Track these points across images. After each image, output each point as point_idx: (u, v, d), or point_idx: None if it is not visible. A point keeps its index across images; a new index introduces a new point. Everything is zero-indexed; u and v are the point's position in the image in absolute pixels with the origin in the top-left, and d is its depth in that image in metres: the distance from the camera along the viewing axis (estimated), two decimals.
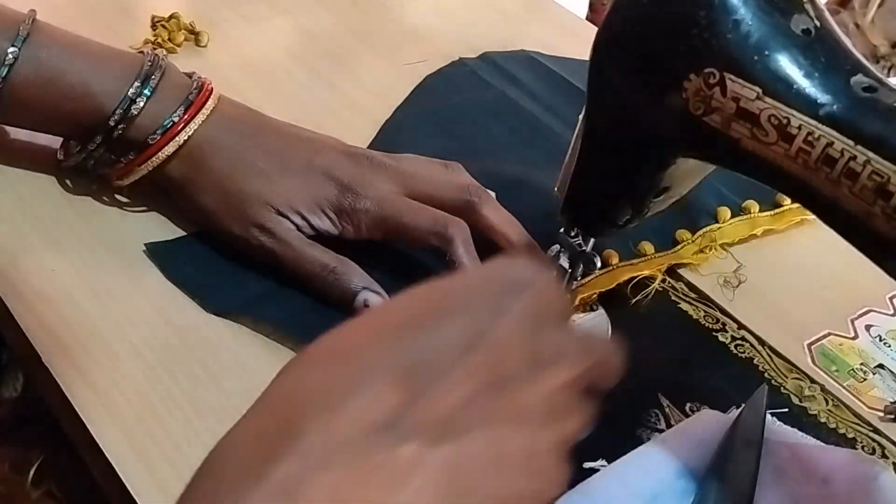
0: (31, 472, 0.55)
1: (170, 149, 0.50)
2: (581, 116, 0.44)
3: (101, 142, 0.50)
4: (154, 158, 0.50)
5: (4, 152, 0.55)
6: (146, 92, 0.50)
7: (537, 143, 0.65)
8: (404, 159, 0.54)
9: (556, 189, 0.49)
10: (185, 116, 0.50)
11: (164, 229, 0.53)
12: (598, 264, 0.50)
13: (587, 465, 0.45)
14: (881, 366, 0.54)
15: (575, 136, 0.46)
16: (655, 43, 0.39)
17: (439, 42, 0.77)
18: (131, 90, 0.50)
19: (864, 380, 0.53)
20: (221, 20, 0.73)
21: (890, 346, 0.56)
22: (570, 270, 0.51)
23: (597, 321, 0.54)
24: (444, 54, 0.75)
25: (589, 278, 0.54)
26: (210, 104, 0.51)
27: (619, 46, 0.41)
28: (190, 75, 0.53)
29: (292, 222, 0.50)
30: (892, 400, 0.52)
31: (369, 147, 0.62)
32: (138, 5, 0.74)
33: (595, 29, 0.42)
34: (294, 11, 0.77)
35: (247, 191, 0.50)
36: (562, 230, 0.50)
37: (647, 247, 0.57)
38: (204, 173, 0.50)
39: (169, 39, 0.68)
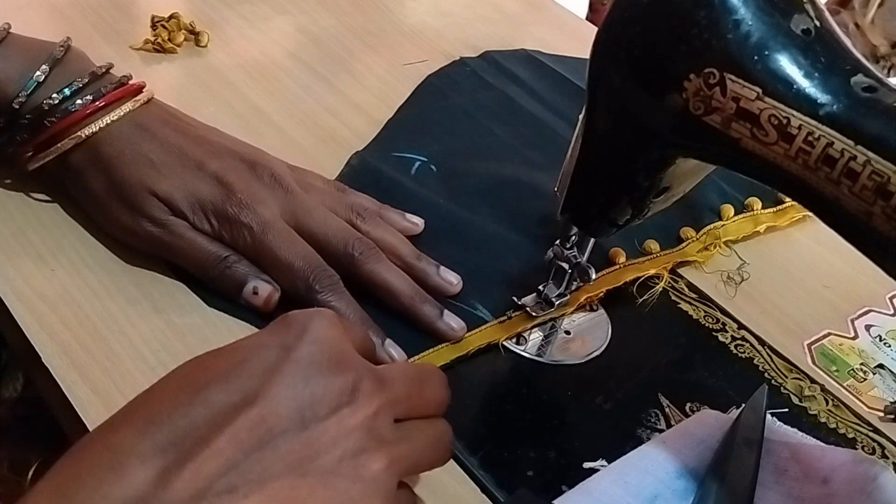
0: (30, 473, 0.55)
1: (71, 142, 0.49)
2: (581, 116, 0.44)
3: (5, 125, 0.50)
4: (59, 146, 0.49)
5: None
6: (48, 76, 0.50)
7: (538, 142, 0.65)
8: (312, 189, 0.53)
9: (556, 189, 0.49)
10: (92, 107, 0.49)
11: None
12: (593, 276, 0.50)
13: (587, 465, 0.45)
14: (881, 366, 0.54)
15: (575, 136, 0.46)
16: (655, 43, 0.39)
17: (439, 42, 0.77)
18: (37, 73, 0.49)
19: (864, 380, 0.53)
20: (221, 20, 0.73)
21: (890, 346, 0.56)
22: (570, 271, 0.51)
23: (597, 321, 0.54)
24: (445, 54, 0.75)
25: (595, 277, 0.54)
26: (128, 106, 0.50)
27: (619, 46, 0.41)
28: (118, 77, 0.52)
29: (173, 211, 0.49)
30: (892, 400, 0.52)
31: (370, 144, 0.63)
32: (138, 5, 0.74)
33: (595, 29, 0.42)
34: (294, 11, 0.77)
35: (133, 179, 0.49)
36: (557, 242, 0.51)
37: (653, 245, 0.58)
38: (96, 161, 0.50)
39: (169, 39, 0.68)
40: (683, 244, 0.59)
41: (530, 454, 0.45)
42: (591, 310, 0.54)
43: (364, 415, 0.34)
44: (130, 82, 0.52)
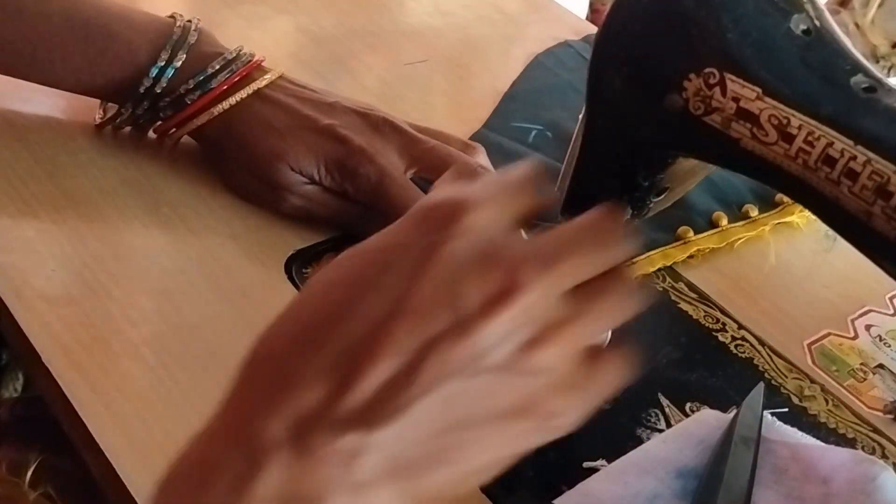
0: (29, 474, 0.55)
1: (204, 117, 0.53)
2: (581, 116, 0.44)
3: (139, 102, 0.54)
4: (194, 121, 0.54)
5: (5, 152, 0.55)
6: (172, 67, 0.53)
7: None
8: (427, 130, 0.56)
9: (556, 189, 0.49)
10: (226, 83, 0.53)
11: (166, 229, 0.53)
12: None
13: (587, 464, 0.45)
14: (881, 366, 0.54)
15: (575, 135, 0.46)
16: (655, 43, 0.39)
17: (439, 42, 0.77)
18: (175, 62, 0.53)
19: (864, 380, 0.53)
20: (221, 20, 0.73)
21: (890, 346, 0.56)
22: None
23: None
24: (444, 54, 0.75)
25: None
26: (255, 85, 0.54)
27: (619, 46, 0.40)
28: (245, 55, 0.56)
29: (307, 178, 0.53)
30: (891, 399, 0.52)
31: (491, 116, 0.68)
32: (138, 5, 0.74)
33: (595, 29, 0.42)
34: (294, 11, 0.77)
35: (265, 151, 0.53)
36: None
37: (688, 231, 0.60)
38: (230, 135, 0.54)
39: None
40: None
41: (530, 454, 0.45)
42: None
43: (527, 303, 0.30)
44: (257, 59, 0.55)
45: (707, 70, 0.37)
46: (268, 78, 0.55)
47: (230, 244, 0.52)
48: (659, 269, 0.58)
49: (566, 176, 0.47)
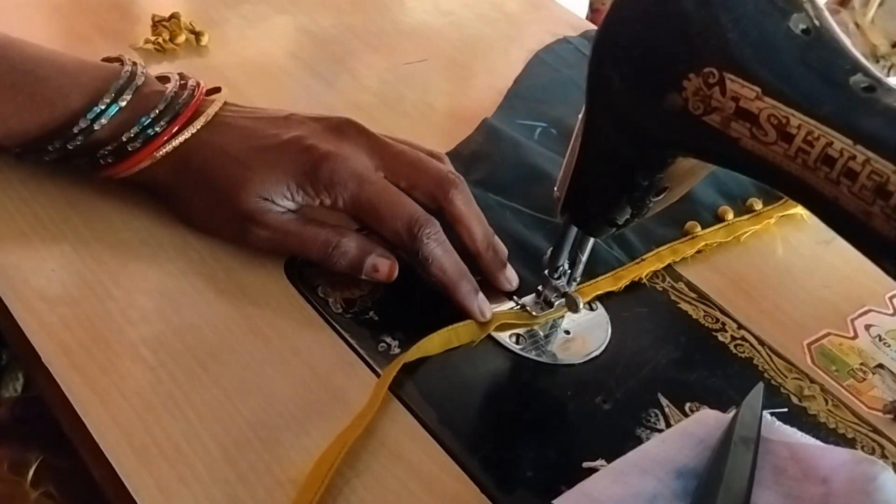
0: (30, 473, 0.55)
1: (147, 161, 0.50)
2: (581, 116, 0.44)
3: (59, 147, 0.50)
4: (142, 165, 0.50)
5: (4, 153, 0.55)
6: (116, 106, 0.50)
7: None
8: (390, 137, 0.54)
9: (555, 189, 0.49)
10: (168, 132, 0.50)
11: (165, 229, 0.53)
12: (581, 306, 0.51)
13: (587, 464, 0.45)
14: (881, 366, 0.54)
15: (574, 135, 0.46)
16: (655, 43, 0.39)
17: (439, 42, 0.77)
18: (114, 107, 0.50)
19: (864, 380, 0.53)
20: (221, 20, 0.73)
21: (890, 346, 0.56)
22: (569, 271, 0.51)
23: (597, 321, 0.54)
24: (444, 54, 0.75)
25: (592, 281, 0.54)
26: (201, 120, 0.51)
27: (619, 46, 0.41)
28: (184, 82, 0.53)
29: (276, 203, 0.50)
30: (891, 399, 0.52)
31: (496, 112, 0.69)
32: (138, 5, 0.74)
33: (595, 29, 0.42)
34: (294, 11, 0.77)
35: (225, 183, 0.50)
36: (546, 271, 0.51)
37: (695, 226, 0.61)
38: (186, 174, 0.51)
39: (169, 39, 0.68)
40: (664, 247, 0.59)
41: (530, 454, 0.45)
42: (591, 309, 0.54)
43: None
44: (200, 91, 0.52)
45: (706, 70, 0.37)
46: (213, 108, 0.52)
47: (230, 245, 0.52)
48: (660, 271, 0.58)
49: (566, 175, 0.47)
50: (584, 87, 0.43)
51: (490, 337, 0.51)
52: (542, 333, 0.52)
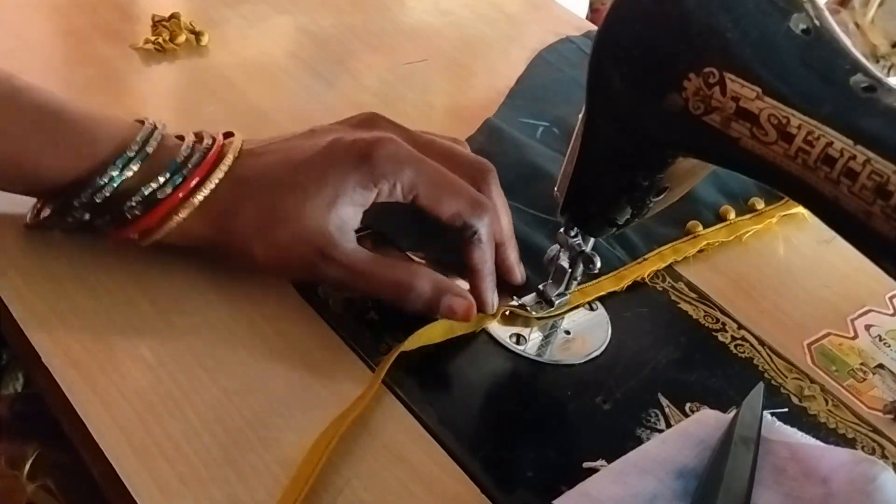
0: (27, 467, 0.55)
1: (184, 211, 0.47)
2: (581, 116, 0.44)
3: (87, 203, 0.47)
4: (172, 218, 0.47)
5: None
6: (141, 155, 0.47)
7: None
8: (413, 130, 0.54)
9: (555, 189, 0.49)
10: (183, 190, 0.47)
11: None
12: (598, 264, 0.50)
13: (587, 465, 0.45)
14: (881, 366, 0.54)
15: (574, 135, 0.46)
16: (655, 43, 0.39)
17: (439, 42, 0.77)
18: (127, 172, 0.47)
19: (864, 380, 0.53)
20: (221, 20, 0.73)
21: (890, 346, 0.56)
22: (569, 270, 0.51)
23: (597, 321, 0.54)
24: (444, 54, 0.75)
25: (594, 281, 0.55)
26: (230, 158, 0.48)
27: (619, 46, 0.41)
28: (198, 141, 0.49)
29: (343, 227, 0.47)
30: (891, 399, 0.52)
31: (498, 111, 0.69)
32: (138, 5, 0.74)
33: (595, 29, 0.42)
34: (294, 11, 0.77)
35: (284, 211, 0.47)
36: (562, 230, 0.50)
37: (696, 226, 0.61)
38: (232, 220, 0.47)
39: (169, 39, 0.68)
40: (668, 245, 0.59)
41: (530, 454, 0.45)
42: (591, 309, 0.54)
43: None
44: (219, 139, 0.49)
45: (707, 69, 0.37)
46: (237, 142, 0.49)
47: None
48: (660, 271, 0.58)
49: (566, 175, 0.47)
50: (585, 87, 0.43)
51: (490, 337, 0.51)
52: (542, 334, 0.52)
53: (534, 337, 0.51)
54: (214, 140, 0.49)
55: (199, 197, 0.47)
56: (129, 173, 0.47)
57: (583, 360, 0.51)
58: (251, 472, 0.42)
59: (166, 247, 0.50)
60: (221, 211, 0.47)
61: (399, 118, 0.66)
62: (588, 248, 0.50)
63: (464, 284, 0.51)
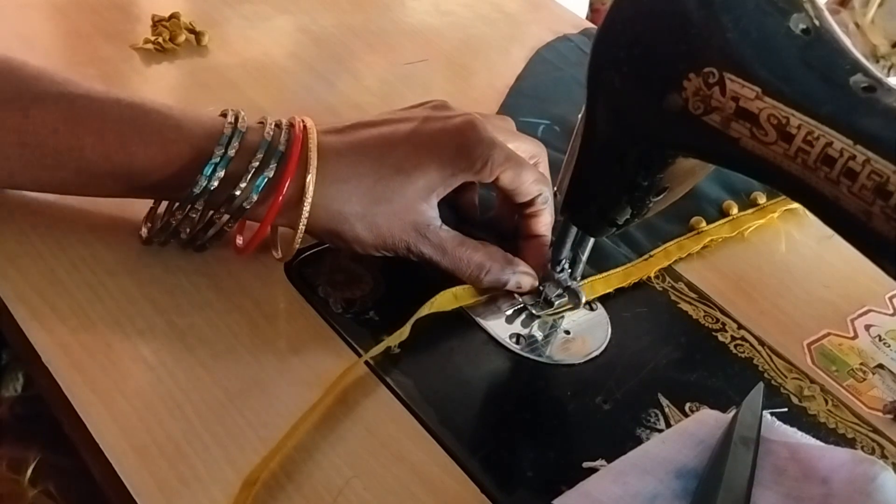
0: (29, 472, 0.55)
1: (306, 209, 0.48)
2: (581, 116, 0.44)
3: (191, 204, 0.48)
4: (295, 241, 0.49)
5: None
6: (230, 151, 0.47)
7: None
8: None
9: (555, 189, 0.49)
10: (279, 188, 0.47)
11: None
12: (584, 299, 0.51)
13: (587, 465, 0.45)
14: (881, 366, 0.54)
15: (574, 135, 0.46)
16: (655, 43, 0.39)
17: (439, 42, 0.77)
18: (219, 149, 0.47)
19: (864, 380, 0.53)
20: (221, 20, 0.73)
21: (890, 346, 0.56)
22: (553, 301, 0.52)
23: (597, 321, 0.54)
24: (444, 54, 0.75)
25: (604, 275, 0.55)
26: (313, 159, 0.48)
27: (619, 46, 0.41)
28: (277, 124, 0.50)
29: (433, 208, 0.49)
30: (891, 399, 0.52)
31: (498, 111, 0.69)
32: (138, 5, 0.74)
33: (593, 26, 0.42)
34: (294, 11, 0.77)
35: (393, 194, 0.48)
36: (548, 264, 0.51)
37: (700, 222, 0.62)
38: (342, 215, 0.48)
39: (169, 39, 0.68)
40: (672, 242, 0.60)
41: (530, 454, 0.45)
42: (591, 309, 0.54)
43: None
44: (294, 129, 0.49)
45: (707, 69, 0.37)
46: (314, 133, 0.49)
47: (231, 245, 0.52)
48: (660, 271, 0.58)
49: (566, 175, 0.47)
50: (585, 86, 0.43)
51: (490, 337, 0.51)
52: (542, 333, 0.52)
53: (534, 337, 0.51)
54: (291, 130, 0.49)
55: (311, 181, 0.47)
56: (232, 152, 0.47)
57: (583, 360, 0.51)
58: (251, 472, 0.42)
59: (170, 247, 0.50)
60: (326, 213, 0.48)
61: None
62: (574, 285, 0.51)
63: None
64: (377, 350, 0.47)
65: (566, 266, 0.51)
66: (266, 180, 0.47)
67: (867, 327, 0.57)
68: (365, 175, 0.48)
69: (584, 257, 0.50)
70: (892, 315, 0.58)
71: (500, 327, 0.51)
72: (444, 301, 0.50)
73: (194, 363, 0.46)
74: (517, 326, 0.52)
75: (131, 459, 0.41)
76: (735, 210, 0.63)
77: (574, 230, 0.49)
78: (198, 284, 0.50)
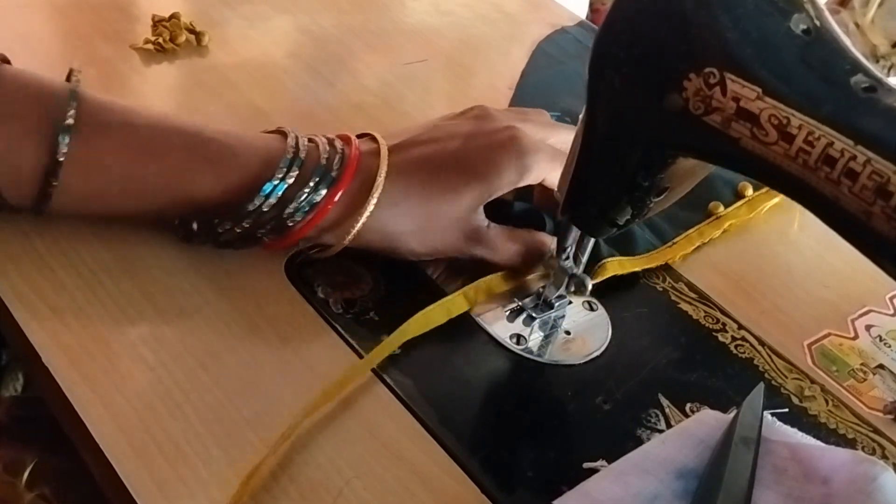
0: (26, 474, 0.55)
1: (344, 240, 0.49)
2: (581, 116, 0.44)
3: (243, 220, 0.48)
4: (332, 248, 0.50)
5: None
6: (292, 174, 0.48)
7: None
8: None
9: (555, 189, 0.49)
10: (331, 199, 0.48)
11: (165, 228, 0.53)
12: (590, 287, 0.51)
13: (587, 465, 0.45)
14: (881, 366, 0.54)
15: (574, 135, 0.46)
16: (655, 43, 0.39)
17: (439, 42, 0.77)
18: (280, 171, 0.48)
19: (864, 380, 0.53)
20: (221, 20, 0.73)
21: (890, 346, 0.56)
22: (563, 283, 0.51)
23: (597, 321, 0.54)
24: (444, 54, 0.75)
25: (633, 257, 0.56)
26: (379, 184, 0.49)
27: (619, 46, 0.40)
28: (331, 143, 0.50)
29: (481, 214, 0.51)
30: (891, 399, 0.52)
31: (510, 106, 0.71)
32: (138, 5, 0.74)
33: (595, 29, 0.42)
34: (294, 11, 0.77)
35: (448, 218, 0.50)
36: (552, 256, 0.51)
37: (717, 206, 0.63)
38: (395, 234, 0.50)
39: (169, 39, 0.68)
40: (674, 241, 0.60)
41: (530, 454, 0.45)
42: (591, 309, 0.54)
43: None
44: (353, 147, 0.50)
45: (707, 70, 0.37)
46: (382, 169, 0.49)
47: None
48: (658, 268, 0.58)
49: (566, 176, 0.47)
50: (586, 79, 0.43)
51: (490, 337, 0.51)
52: (542, 333, 0.52)
53: (534, 337, 0.51)
54: (343, 142, 0.51)
55: (371, 206, 0.49)
56: (291, 180, 0.48)
57: (583, 360, 0.51)
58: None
59: (167, 243, 0.50)
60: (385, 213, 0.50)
61: (399, 118, 0.66)
62: (579, 271, 0.51)
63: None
64: (381, 354, 0.47)
65: (571, 254, 0.51)
66: (315, 203, 0.48)
67: (868, 327, 0.57)
68: (415, 196, 0.50)
69: (585, 258, 0.50)
70: (892, 315, 0.58)
71: (500, 327, 0.51)
72: (437, 316, 0.50)
73: (194, 363, 0.46)
74: (517, 326, 0.52)
75: (131, 459, 0.41)
76: (750, 191, 0.64)
77: (574, 230, 0.49)
78: (197, 285, 0.50)
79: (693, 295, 0.57)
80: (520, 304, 0.53)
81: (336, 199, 0.49)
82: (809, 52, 0.36)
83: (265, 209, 0.48)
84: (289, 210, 0.48)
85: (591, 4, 1.60)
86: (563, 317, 0.53)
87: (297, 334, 0.49)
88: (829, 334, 0.56)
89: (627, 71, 0.40)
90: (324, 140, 0.50)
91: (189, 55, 0.69)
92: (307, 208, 0.48)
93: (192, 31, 0.70)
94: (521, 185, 0.52)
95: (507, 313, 0.52)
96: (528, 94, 0.73)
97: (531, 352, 0.51)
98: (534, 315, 0.52)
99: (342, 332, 0.49)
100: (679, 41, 0.38)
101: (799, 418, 0.50)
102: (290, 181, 0.48)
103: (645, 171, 0.43)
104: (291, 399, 0.45)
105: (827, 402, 0.51)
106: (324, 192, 0.48)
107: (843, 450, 0.45)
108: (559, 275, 0.51)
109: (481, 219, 0.52)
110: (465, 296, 0.51)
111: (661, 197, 0.45)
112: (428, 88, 0.71)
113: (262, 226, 0.49)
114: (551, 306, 0.52)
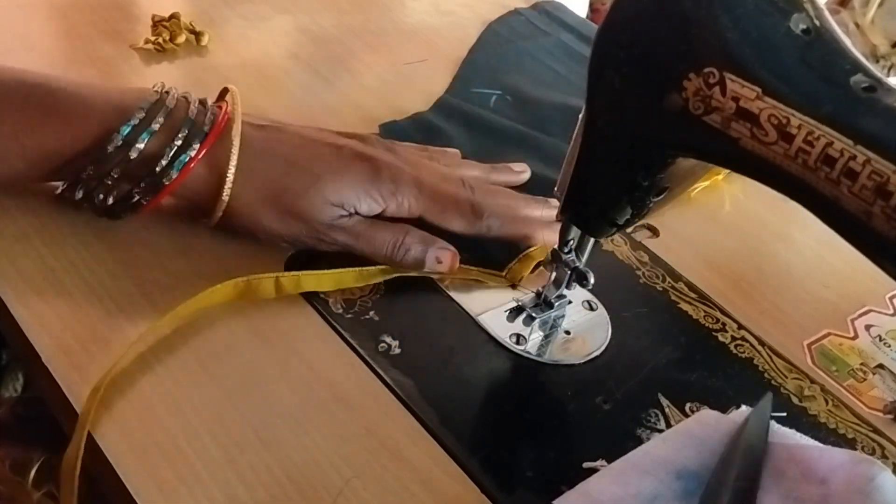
0: (32, 473, 0.55)
1: (220, 208, 0.49)
2: (581, 116, 0.44)
3: (105, 166, 0.48)
4: (215, 212, 0.50)
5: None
6: (152, 128, 0.48)
7: None
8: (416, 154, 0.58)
9: (555, 189, 0.49)
10: (196, 159, 0.48)
11: (167, 230, 0.53)
12: (592, 280, 0.51)
13: (587, 465, 0.45)
14: (881, 366, 0.54)
15: (574, 135, 0.46)
16: (655, 43, 0.39)
17: (439, 42, 0.77)
18: (133, 120, 0.47)
19: (864, 380, 0.53)
20: (221, 20, 0.73)
21: (890, 346, 0.56)
22: (564, 282, 0.51)
23: (597, 321, 0.54)
24: (445, 54, 0.75)
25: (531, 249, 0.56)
26: (236, 143, 0.49)
27: (619, 46, 0.40)
28: (203, 103, 0.51)
29: (344, 208, 0.51)
30: (891, 399, 0.52)
31: (451, 84, 0.72)
32: (138, 5, 0.74)
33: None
34: (294, 11, 0.77)
35: (296, 193, 0.50)
36: (555, 246, 0.51)
37: None
38: (256, 207, 0.50)
39: (169, 39, 0.68)
40: None
41: (530, 454, 0.45)
42: (591, 309, 0.54)
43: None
44: (219, 113, 0.50)
45: (707, 70, 0.37)
46: (241, 119, 0.50)
47: (231, 245, 0.52)
48: (660, 271, 0.58)
49: (566, 176, 0.47)
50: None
51: (490, 337, 0.51)
52: (542, 333, 0.52)
53: (534, 337, 0.51)
54: (216, 110, 0.50)
55: (232, 165, 0.49)
56: (156, 126, 0.48)
57: (583, 360, 0.51)
58: (251, 472, 0.42)
59: (166, 244, 0.50)
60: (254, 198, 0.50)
61: (399, 118, 0.66)
62: (582, 265, 0.50)
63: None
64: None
65: (573, 247, 0.50)
66: (188, 158, 0.48)
67: (867, 327, 0.57)
68: (268, 169, 0.50)
69: (585, 258, 0.50)
70: (892, 315, 0.58)
71: (500, 327, 0.51)
72: (349, 278, 0.51)
73: (194, 363, 0.46)
74: (517, 326, 0.52)
75: (131, 459, 0.41)
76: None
77: (574, 230, 0.49)
78: (198, 285, 0.50)
79: (693, 295, 0.57)
80: (520, 303, 0.53)
81: (201, 156, 0.48)
82: (809, 52, 0.36)
83: (132, 156, 0.47)
84: (161, 165, 0.48)
85: (591, 4, 1.60)
86: (563, 316, 0.53)
87: (297, 334, 0.49)
88: (829, 334, 0.56)
89: (627, 71, 0.40)
90: (195, 99, 0.50)
91: (189, 55, 0.69)
92: (181, 167, 0.48)
93: (192, 31, 0.70)
94: (390, 213, 0.52)
95: (507, 313, 0.52)
96: (472, 70, 0.74)
97: (531, 352, 0.51)
98: (534, 315, 0.52)
99: (342, 331, 0.49)
100: (679, 41, 0.38)
101: (799, 418, 0.50)
102: (156, 128, 0.48)
103: (645, 171, 0.43)
104: (291, 399, 0.45)
105: (827, 401, 0.51)
106: (196, 147, 0.48)
107: (842, 450, 0.45)
108: (561, 269, 0.51)
109: (339, 210, 0.51)
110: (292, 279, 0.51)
111: (661, 197, 0.45)
112: (428, 88, 0.71)
113: (135, 183, 0.48)
114: (551, 306, 0.52)
